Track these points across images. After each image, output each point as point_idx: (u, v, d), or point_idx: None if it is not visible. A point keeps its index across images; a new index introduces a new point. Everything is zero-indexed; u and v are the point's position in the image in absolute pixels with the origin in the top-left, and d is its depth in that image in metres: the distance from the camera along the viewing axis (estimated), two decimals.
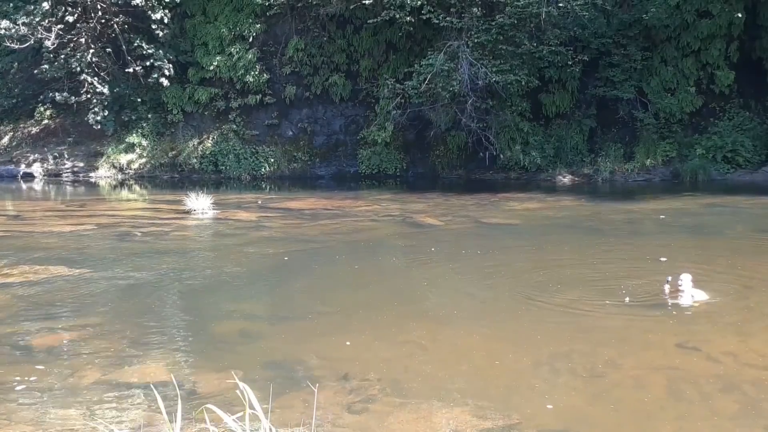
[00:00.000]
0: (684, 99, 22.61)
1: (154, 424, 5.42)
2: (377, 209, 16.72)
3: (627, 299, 8.47)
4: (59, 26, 23.98)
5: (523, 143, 23.03)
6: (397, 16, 21.79)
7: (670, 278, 8.51)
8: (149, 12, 24.23)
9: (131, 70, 24.47)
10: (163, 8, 24.58)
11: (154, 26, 24.48)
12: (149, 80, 24.51)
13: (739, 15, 21.29)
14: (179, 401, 3.89)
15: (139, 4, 23.83)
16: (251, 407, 3.78)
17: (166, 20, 24.52)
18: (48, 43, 23.80)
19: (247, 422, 3.79)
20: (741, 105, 22.79)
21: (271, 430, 3.77)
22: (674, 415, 5.56)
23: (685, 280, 8.39)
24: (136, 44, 24.49)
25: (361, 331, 7.71)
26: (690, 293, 8.35)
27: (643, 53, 22.70)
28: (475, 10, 21.25)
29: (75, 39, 24.36)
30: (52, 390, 6.18)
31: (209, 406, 3.90)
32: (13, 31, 23.57)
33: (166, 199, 19.44)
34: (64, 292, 9.38)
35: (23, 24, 23.55)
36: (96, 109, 24.27)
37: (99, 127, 24.69)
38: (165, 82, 24.51)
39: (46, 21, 23.80)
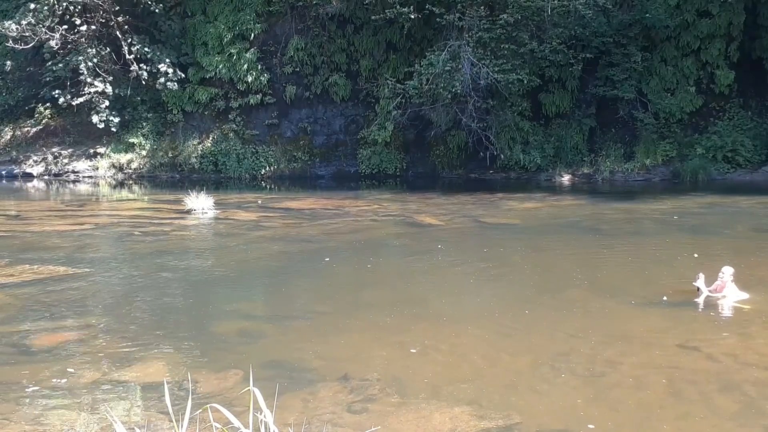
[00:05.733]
0: (684, 99, 22.62)
1: (155, 423, 5.43)
2: (377, 209, 16.72)
3: (665, 298, 8.48)
4: (64, 27, 24.01)
5: (524, 143, 23.05)
6: (404, 10, 21.76)
7: (701, 274, 8.50)
8: (152, 6, 24.31)
9: (135, 74, 24.48)
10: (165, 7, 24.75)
11: (159, 20, 24.62)
12: (157, 85, 24.52)
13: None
14: (189, 400, 3.89)
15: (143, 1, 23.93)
16: (258, 409, 3.77)
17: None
18: (52, 43, 23.82)
19: (251, 422, 3.79)
20: (741, 105, 22.81)
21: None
22: (674, 415, 5.56)
23: (727, 273, 8.36)
24: (138, 45, 24.51)
25: (361, 331, 7.71)
26: (732, 290, 8.33)
27: (643, 53, 22.71)
28: (479, 8, 21.26)
29: (77, 39, 24.36)
30: (52, 390, 6.18)
31: (215, 405, 3.89)
32: (18, 32, 23.61)
33: (166, 198, 19.44)
34: (64, 292, 9.37)
35: (27, 25, 23.57)
36: (99, 109, 24.29)
37: (103, 126, 24.70)
38: (174, 86, 24.55)
39: (49, 21, 23.81)
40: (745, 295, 8.41)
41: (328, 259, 11.33)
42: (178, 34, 25.61)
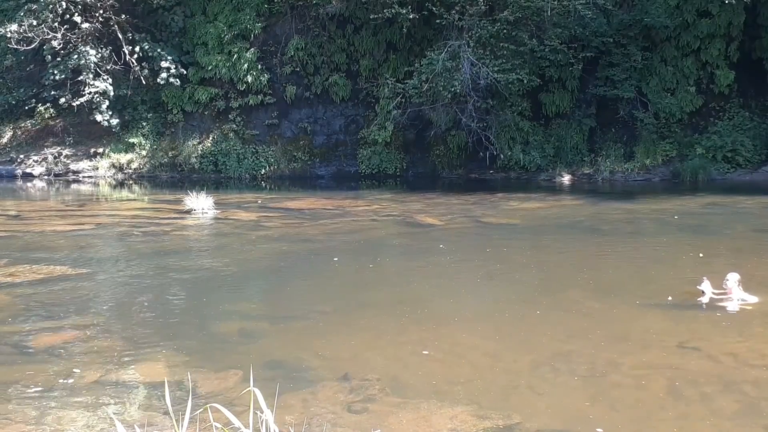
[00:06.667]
0: (684, 99, 22.64)
1: (155, 424, 5.43)
2: (377, 209, 16.72)
3: (670, 298, 8.46)
4: (65, 27, 24.03)
5: (523, 143, 23.06)
6: (402, 11, 21.80)
7: (705, 278, 8.47)
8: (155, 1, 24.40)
9: (137, 73, 24.48)
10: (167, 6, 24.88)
11: (165, 19, 24.68)
12: (159, 81, 24.52)
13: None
14: (189, 400, 3.89)
15: None
16: (259, 409, 3.77)
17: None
18: (54, 44, 23.82)
19: (251, 421, 3.79)
20: (741, 105, 22.82)
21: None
22: (674, 415, 5.55)
23: (731, 279, 8.29)
24: (138, 45, 24.52)
25: (361, 331, 7.71)
26: (738, 295, 8.26)
27: (643, 53, 22.72)
28: (478, 7, 21.28)
29: (77, 39, 24.37)
30: (52, 390, 6.18)
31: (215, 405, 3.89)
32: (20, 34, 23.62)
33: (166, 198, 19.45)
34: (64, 292, 9.37)
35: (29, 26, 23.58)
36: (102, 108, 24.32)
37: (107, 125, 24.72)
38: (176, 81, 24.53)
39: (50, 20, 23.81)
40: (754, 299, 8.31)
41: (336, 259, 11.33)
42: (179, 33, 25.63)
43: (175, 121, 25.78)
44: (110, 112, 24.64)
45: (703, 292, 8.41)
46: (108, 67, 24.58)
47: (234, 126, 25.19)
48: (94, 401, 5.93)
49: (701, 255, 10.71)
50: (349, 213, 16.31)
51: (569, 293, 8.99)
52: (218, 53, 24.92)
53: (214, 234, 14.58)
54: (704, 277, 8.53)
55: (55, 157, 26.30)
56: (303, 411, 5.60)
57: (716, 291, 8.40)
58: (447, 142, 23.76)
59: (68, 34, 24.24)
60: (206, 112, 25.50)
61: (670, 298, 8.48)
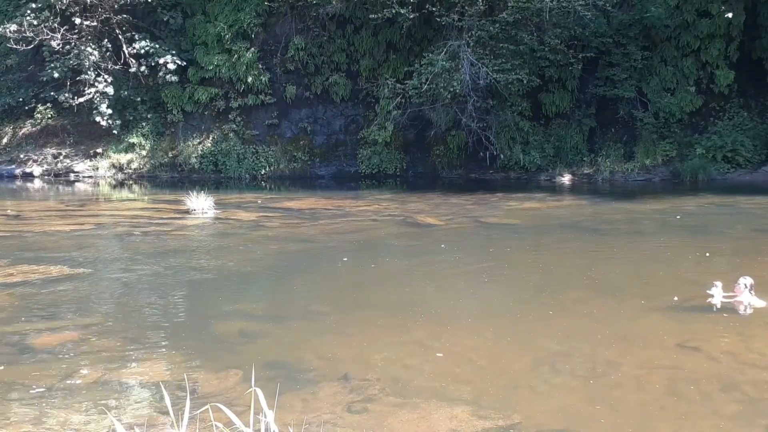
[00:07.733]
0: (684, 99, 22.63)
1: (155, 424, 5.43)
2: (377, 209, 16.72)
3: (675, 298, 8.43)
4: (65, 26, 24.03)
5: (523, 143, 23.05)
6: (402, 11, 21.80)
7: (717, 284, 8.38)
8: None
9: (136, 71, 24.47)
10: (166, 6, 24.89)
11: (164, 17, 24.70)
12: (157, 79, 24.50)
13: (729, 15, 21.24)
14: (188, 400, 3.89)
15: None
16: (259, 409, 3.77)
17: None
18: (53, 43, 23.83)
19: (251, 421, 3.79)
20: (741, 105, 22.81)
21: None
22: (674, 415, 5.56)
23: (742, 282, 8.21)
24: (138, 43, 24.51)
25: (362, 331, 7.71)
26: (747, 299, 8.18)
27: (643, 53, 22.72)
28: (478, 7, 21.28)
29: (77, 38, 24.38)
30: (52, 390, 6.18)
31: (217, 404, 3.90)
32: (20, 33, 23.62)
33: (166, 198, 19.45)
34: (64, 292, 9.37)
35: (29, 26, 23.58)
36: (101, 109, 24.32)
37: (106, 125, 24.73)
38: (174, 78, 24.50)
39: (50, 21, 23.82)
40: (762, 303, 8.21)
41: (345, 259, 11.32)
42: (178, 32, 25.62)
43: (175, 121, 25.78)
44: (110, 112, 24.65)
45: (712, 296, 8.33)
46: (108, 67, 24.58)
47: (234, 126, 25.19)
48: (94, 401, 5.93)
49: (707, 254, 10.71)
50: (349, 213, 16.31)
51: (570, 293, 8.99)
52: (218, 53, 24.91)
53: (215, 234, 14.58)
54: (714, 283, 8.44)
55: (55, 157, 26.31)
56: (303, 411, 5.60)
57: (726, 294, 8.36)
58: (447, 142, 23.76)
59: (68, 34, 24.24)
60: (206, 112, 25.49)
61: (675, 298, 8.48)
